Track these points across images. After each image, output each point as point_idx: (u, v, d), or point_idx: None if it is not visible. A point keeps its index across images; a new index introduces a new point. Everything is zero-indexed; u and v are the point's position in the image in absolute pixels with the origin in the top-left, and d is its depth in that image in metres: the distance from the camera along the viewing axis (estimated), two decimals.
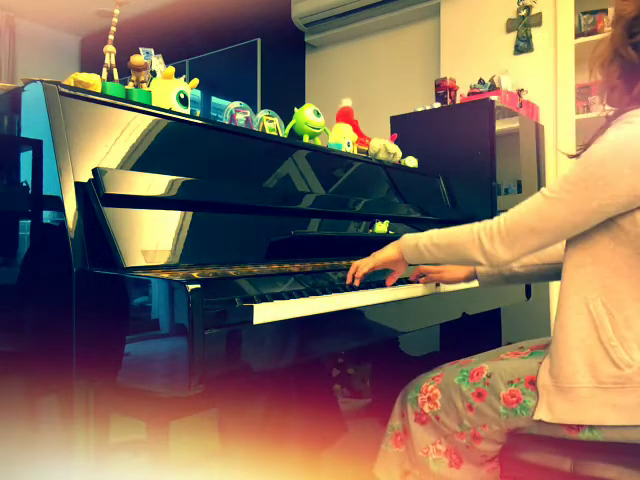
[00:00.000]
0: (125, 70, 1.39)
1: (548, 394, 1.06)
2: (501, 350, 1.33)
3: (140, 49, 1.43)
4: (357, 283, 1.27)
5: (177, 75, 1.41)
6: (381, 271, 1.35)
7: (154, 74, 1.43)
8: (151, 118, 1.26)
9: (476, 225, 1.11)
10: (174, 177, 1.17)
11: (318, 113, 1.82)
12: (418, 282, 1.43)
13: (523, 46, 3.19)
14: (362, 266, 1.28)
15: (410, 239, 1.23)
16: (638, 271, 1.01)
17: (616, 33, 1.03)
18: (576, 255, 1.07)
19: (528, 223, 1.03)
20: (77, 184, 1.04)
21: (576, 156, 1.06)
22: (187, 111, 1.39)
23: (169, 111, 1.32)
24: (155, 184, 1.13)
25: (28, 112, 1.12)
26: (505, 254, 1.06)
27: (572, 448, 1.09)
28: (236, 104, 1.64)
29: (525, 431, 1.13)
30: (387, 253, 1.28)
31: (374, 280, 1.35)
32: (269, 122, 1.68)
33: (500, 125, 2.44)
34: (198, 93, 4.37)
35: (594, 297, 1.03)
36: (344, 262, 1.43)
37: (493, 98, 2.48)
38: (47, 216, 1.06)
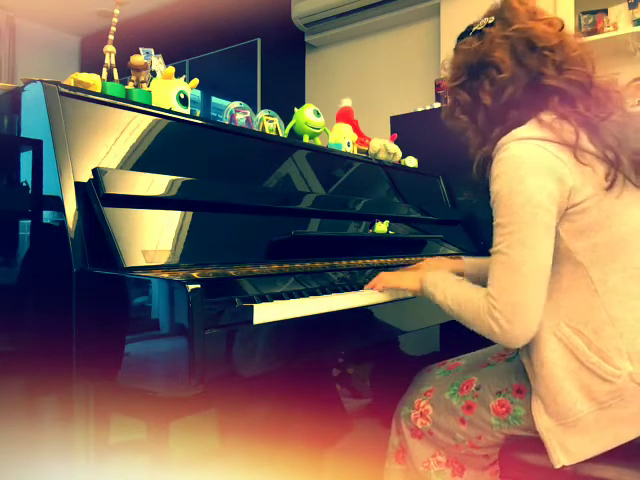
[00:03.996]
0: (125, 70, 1.39)
1: (556, 437, 1.01)
2: (487, 352, 1.31)
3: (140, 49, 1.43)
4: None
5: (177, 75, 1.41)
6: (381, 271, 1.34)
7: (154, 74, 1.43)
8: (151, 118, 1.26)
9: (481, 304, 1.01)
10: (174, 177, 1.17)
11: (318, 113, 1.82)
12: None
13: None
14: (387, 284, 1.23)
15: (429, 285, 1.15)
16: (584, 281, 1.00)
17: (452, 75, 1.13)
18: None
19: (512, 282, 0.97)
20: (77, 184, 1.04)
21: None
22: (187, 111, 1.39)
23: (169, 111, 1.32)
24: (155, 184, 1.13)
25: (28, 112, 1.12)
26: (518, 327, 0.97)
27: None
28: (236, 104, 1.64)
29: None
30: (410, 286, 1.21)
31: None
32: (269, 122, 1.68)
33: None
34: (198, 93, 4.37)
35: (557, 323, 1.01)
36: (344, 262, 1.43)
37: None
38: (47, 216, 1.06)
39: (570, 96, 1.00)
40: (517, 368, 1.14)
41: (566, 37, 1.03)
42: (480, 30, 1.08)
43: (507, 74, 1.02)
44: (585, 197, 0.97)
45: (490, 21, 1.07)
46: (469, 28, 1.12)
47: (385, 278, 1.25)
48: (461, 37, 1.14)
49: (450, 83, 1.13)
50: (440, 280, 1.15)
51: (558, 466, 1.01)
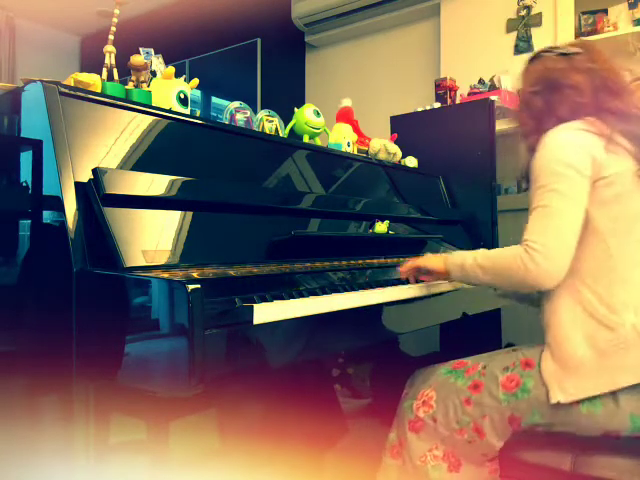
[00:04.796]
0: (125, 70, 1.39)
1: (557, 378, 1.10)
2: (494, 354, 1.32)
3: (140, 49, 1.43)
4: (412, 281, 1.38)
5: (177, 75, 1.41)
6: (381, 271, 1.35)
7: (154, 74, 1.43)
8: (151, 118, 1.26)
9: (516, 249, 1.12)
10: (174, 177, 1.17)
11: (318, 113, 1.82)
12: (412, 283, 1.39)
13: (523, 46, 3.19)
14: (413, 264, 1.35)
15: (457, 257, 1.25)
16: (601, 246, 1.11)
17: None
18: None
19: (550, 226, 1.09)
20: (77, 184, 1.04)
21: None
22: (187, 111, 1.39)
23: (169, 111, 1.32)
24: (155, 184, 1.13)
25: (28, 112, 1.12)
26: (554, 264, 1.08)
27: (572, 447, 1.09)
28: (236, 104, 1.64)
29: (526, 420, 1.13)
30: (435, 265, 1.30)
31: (374, 280, 1.35)
32: (269, 122, 1.68)
33: (500, 125, 2.43)
34: (198, 93, 4.37)
35: (572, 280, 1.12)
36: (344, 262, 1.43)
37: (493, 98, 2.47)
38: (47, 216, 1.06)
39: (620, 114, 1.18)
40: (521, 348, 1.21)
41: (626, 82, 1.24)
42: (568, 54, 1.24)
43: (585, 99, 1.19)
44: (612, 173, 1.11)
45: (579, 50, 1.23)
46: (555, 47, 1.28)
47: (410, 261, 1.36)
48: (541, 52, 1.30)
49: (527, 88, 1.29)
50: (463, 251, 1.27)
51: (554, 401, 1.08)
